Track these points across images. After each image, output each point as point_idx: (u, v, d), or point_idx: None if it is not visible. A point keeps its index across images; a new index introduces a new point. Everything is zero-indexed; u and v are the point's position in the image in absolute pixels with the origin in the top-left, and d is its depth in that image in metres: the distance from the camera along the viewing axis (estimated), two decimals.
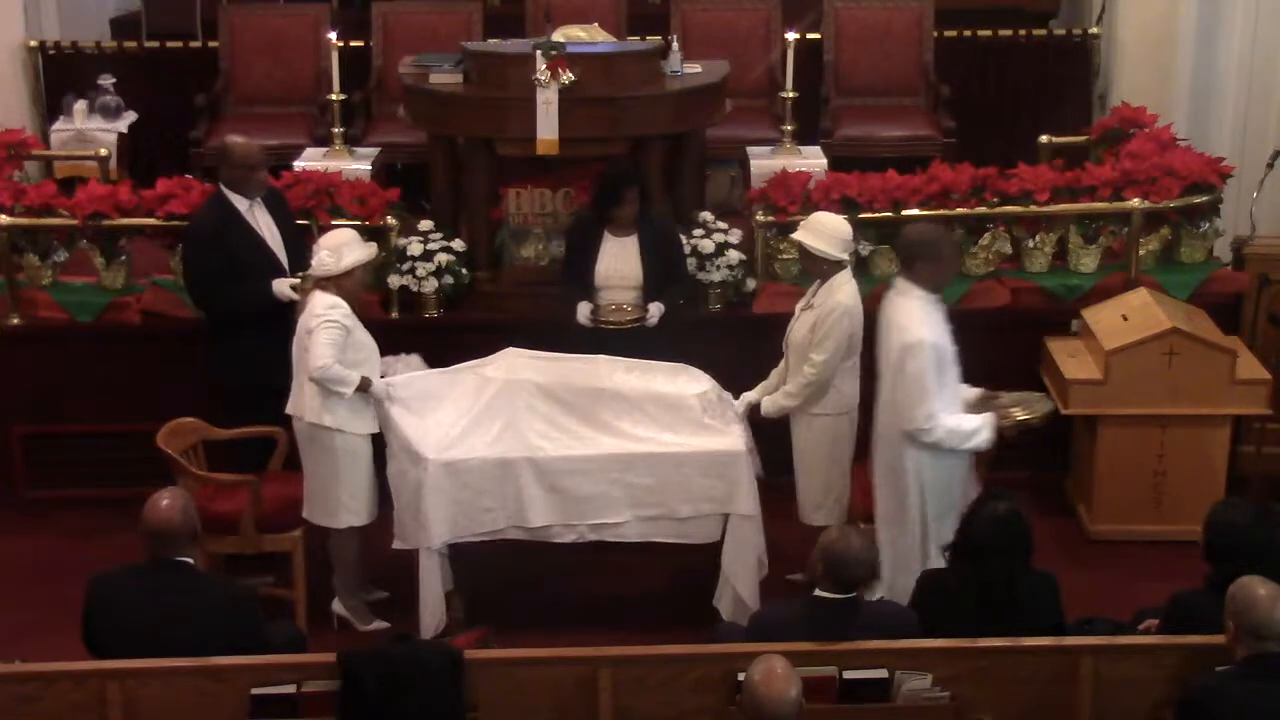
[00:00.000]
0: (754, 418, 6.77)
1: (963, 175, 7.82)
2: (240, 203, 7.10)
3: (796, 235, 6.76)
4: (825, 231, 6.67)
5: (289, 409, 6.69)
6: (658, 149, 7.75)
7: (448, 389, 6.66)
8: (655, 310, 7.13)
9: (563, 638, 5.97)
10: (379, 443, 6.68)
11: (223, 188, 7.16)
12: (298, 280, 7.04)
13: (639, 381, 6.65)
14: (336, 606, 6.90)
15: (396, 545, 6.63)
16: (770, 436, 6.85)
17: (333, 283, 6.52)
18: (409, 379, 6.65)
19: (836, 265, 6.68)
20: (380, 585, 7.07)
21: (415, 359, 6.87)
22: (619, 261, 7.19)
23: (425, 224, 7.84)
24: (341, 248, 6.54)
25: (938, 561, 6.01)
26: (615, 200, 7.13)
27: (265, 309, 7.00)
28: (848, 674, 5.38)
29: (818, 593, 5.52)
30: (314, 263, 6.57)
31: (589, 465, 6.51)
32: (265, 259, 7.10)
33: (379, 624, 6.89)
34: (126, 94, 9.80)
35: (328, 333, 6.46)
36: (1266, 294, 7.79)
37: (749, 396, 6.79)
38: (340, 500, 6.67)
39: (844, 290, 6.66)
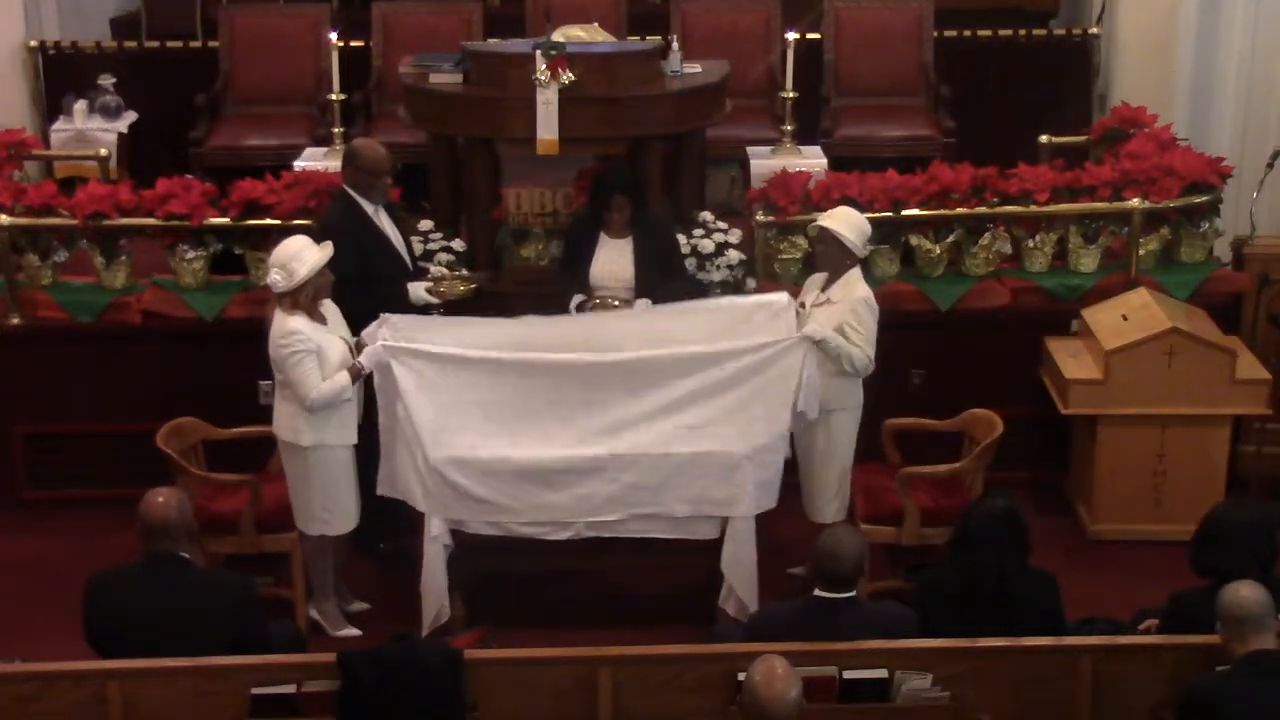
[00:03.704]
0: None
1: (963, 175, 7.82)
2: (367, 206, 6.98)
3: (827, 224, 6.74)
4: (854, 224, 6.75)
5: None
6: (658, 149, 7.75)
7: (454, 374, 6.54)
8: (641, 305, 7.13)
9: (563, 638, 5.97)
10: (370, 449, 6.64)
11: (348, 189, 7.02)
12: (431, 284, 7.10)
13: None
14: (311, 610, 6.90)
15: (381, 492, 6.58)
16: None
17: (289, 298, 6.40)
18: (412, 348, 6.49)
19: (853, 260, 6.72)
20: (372, 588, 7.09)
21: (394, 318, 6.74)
22: (613, 263, 7.19)
23: (425, 224, 7.83)
24: (291, 261, 6.36)
25: None
26: (605, 206, 7.16)
27: (402, 313, 6.82)
28: (848, 674, 5.38)
29: (817, 592, 5.53)
30: (268, 280, 6.45)
31: (587, 465, 6.48)
32: (394, 262, 7.05)
33: (350, 631, 6.88)
34: (126, 94, 9.81)
35: (300, 364, 6.37)
36: (1266, 294, 7.80)
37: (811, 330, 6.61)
38: (311, 509, 6.64)
39: (861, 285, 6.73)
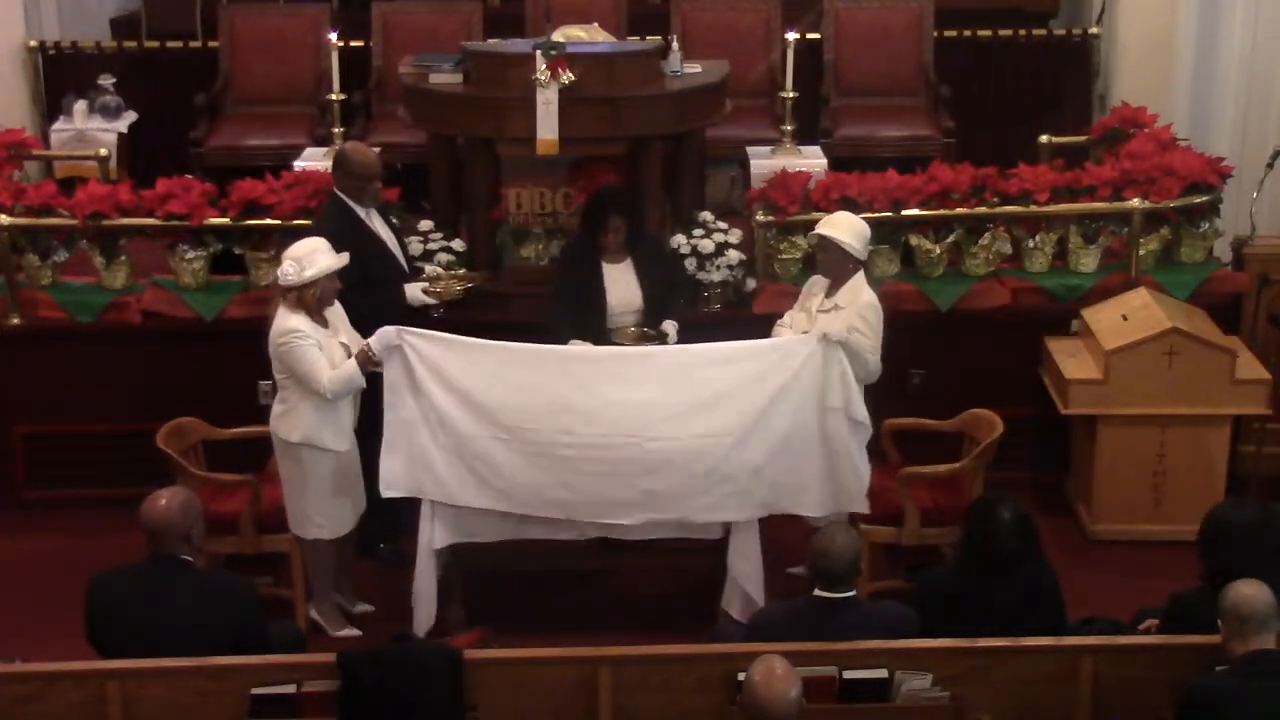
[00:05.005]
0: None
1: (963, 175, 7.81)
2: (359, 209, 6.98)
3: (827, 232, 6.71)
4: (853, 229, 6.74)
5: None
6: (658, 149, 7.75)
7: (470, 363, 6.45)
8: (672, 330, 7.08)
9: (563, 638, 5.96)
10: (370, 451, 6.60)
11: (339, 193, 7.02)
12: (427, 284, 7.10)
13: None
14: (311, 611, 6.90)
15: (385, 493, 6.48)
16: None
17: (295, 293, 6.39)
18: (425, 334, 6.45)
19: (856, 265, 6.72)
20: (372, 588, 7.09)
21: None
22: (620, 287, 7.15)
23: (425, 224, 7.83)
24: (305, 258, 6.36)
25: None
26: (601, 228, 7.13)
27: (400, 316, 6.81)
28: (848, 674, 5.38)
29: (816, 592, 5.53)
30: (278, 272, 6.45)
31: (604, 468, 6.43)
32: (389, 264, 7.05)
33: (350, 631, 6.89)
34: (126, 94, 9.81)
35: (306, 356, 6.35)
36: (1266, 294, 7.80)
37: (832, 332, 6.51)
38: (306, 513, 6.63)
39: (866, 290, 6.72)
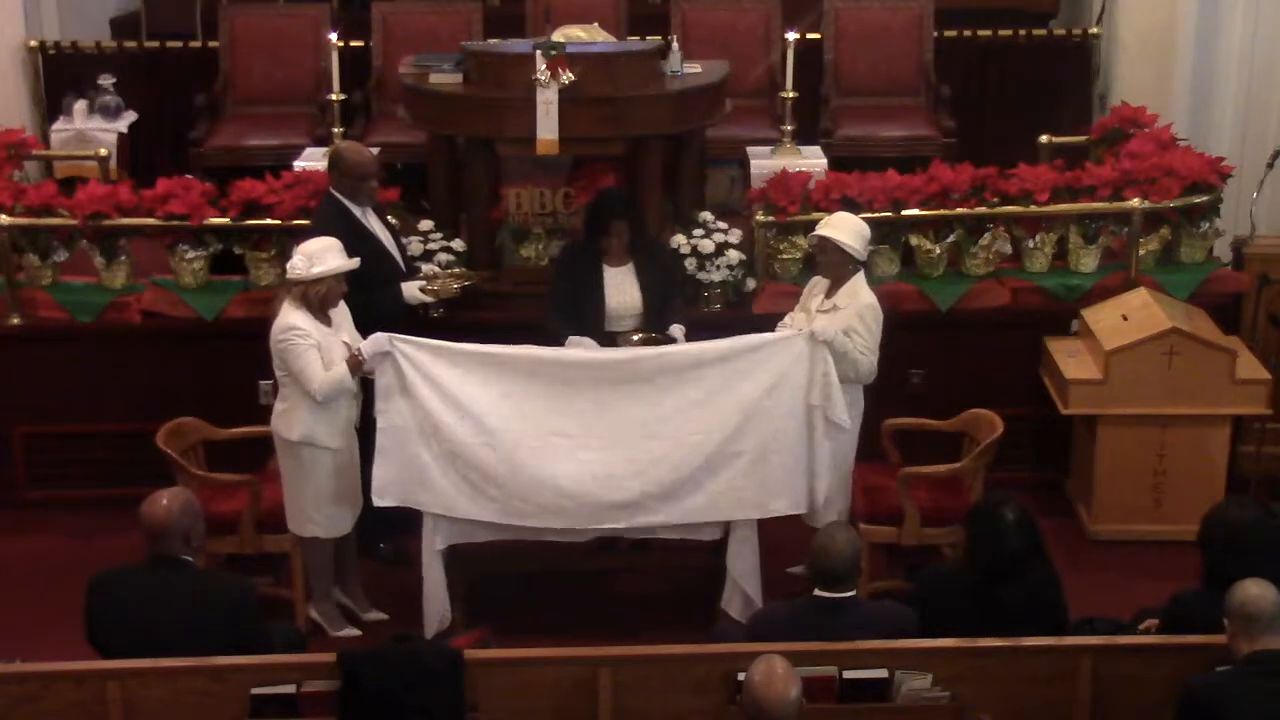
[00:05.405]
0: None
1: (963, 175, 7.82)
2: (355, 209, 6.98)
3: (827, 233, 6.71)
4: (854, 230, 6.73)
5: None
6: (658, 149, 7.75)
7: (461, 369, 6.45)
8: (679, 334, 7.06)
9: (563, 638, 5.96)
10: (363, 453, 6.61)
11: (335, 193, 7.01)
12: (424, 282, 7.10)
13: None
14: (311, 611, 6.90)
15: (379, 502, 6.49)
16: None
17: (300, 288, 6.40)
18: (415, 340, 6.45)
19: (857, 265, 6.71)
20: (373, 588, 7.08)
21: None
22: (621, 292, 7.14)
23: (425, 224, 7.83)
24: (316, 255, 6.38)
25: None
26: (603, 232, 7.12)
27: (397, 315, 6.86)
28: (848, 674, 5.38)
29: (817, 592, 5.53)
30: (287, 266, 6.46)
31: (599, 470, 6.43)
32: (384, 262, 7.04)
33: (350, 631, 6.88)
34: (126, 94, 9.81)
35: (302, 355, 6.36)
36: (1266, 294, 7.80)
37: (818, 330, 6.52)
38: (303, 510, 6.63)
39: (866, 291, 6.72)
